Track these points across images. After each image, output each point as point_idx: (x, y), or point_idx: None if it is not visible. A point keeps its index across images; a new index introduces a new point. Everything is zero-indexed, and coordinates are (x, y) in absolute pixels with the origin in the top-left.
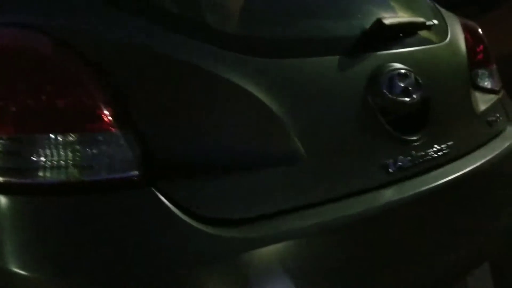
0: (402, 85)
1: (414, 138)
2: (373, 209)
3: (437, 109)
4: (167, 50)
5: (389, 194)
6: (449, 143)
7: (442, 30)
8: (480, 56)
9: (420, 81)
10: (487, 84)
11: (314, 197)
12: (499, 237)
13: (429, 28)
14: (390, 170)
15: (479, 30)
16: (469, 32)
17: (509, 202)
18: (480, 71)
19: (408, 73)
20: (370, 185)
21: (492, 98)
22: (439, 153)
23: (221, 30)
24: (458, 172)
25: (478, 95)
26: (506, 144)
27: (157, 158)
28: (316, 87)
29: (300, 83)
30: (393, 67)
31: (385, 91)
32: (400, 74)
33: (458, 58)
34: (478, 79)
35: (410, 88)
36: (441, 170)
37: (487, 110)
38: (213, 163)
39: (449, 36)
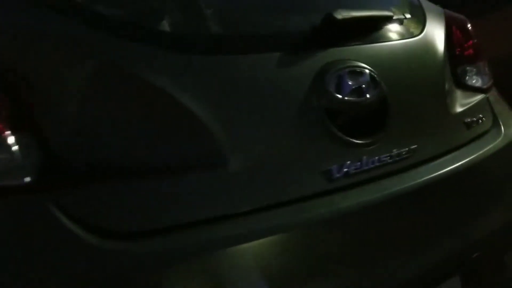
0: (353, 83)
1: (367, 141)
2: (305, 219)
3: (399, 109)
4: (75, 46)
5: (328, 203)
6: (412, 147)
7: (416, 24)
8: (467, 52)
9: (378, 79)
10: (474, 81)
11: (240, 206)
12: (468, 250)
13: (395, 22)
14: (334, 176)
15: (468, 24)
16: (456, 27)
17: (482, 213)
18: (467, 68)
19: (361, 71)
20: (306, 193)
21: (477, 97)
22: (398, 158)
23: (142, 25)
24: (420, 178)
25: (459, 94)
26: (485, 148)
27: (55, 165)
28: (252, 86)
29: (234, 82)
30: (343, 65)
31: (331, 90)
32: (351, 72)
33: (434, 54)
34: (464, 76)
35: (364, 87)
36: (399, 176)
37: (467, 110)
38: (119, 171)
39: (425, 30)
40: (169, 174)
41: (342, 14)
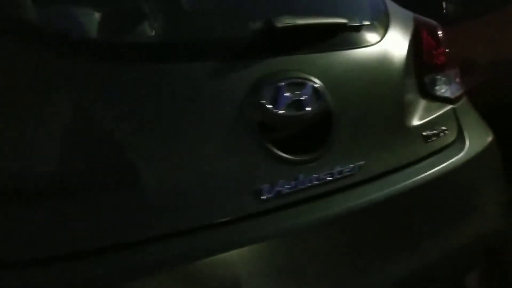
0: (291, 96)
1: (305, 158)
2: (228, 244)
3: (346, 123)
4: None
5: (256, 226)
6: (359, 163)
7: (375, 32)
8: (437, 60)
9: (322, 91)
10: (442, 91)
11: (156, 230)
12: (422, 275)
13: (348, 29)
14: (264, 197)
15: (439, 31)
16: (427, 33)
17: (438, 233)
18: (436, 77)
19: (302, 82)
20: (233, 215)
21: (443, 108)
22: (341, 176)
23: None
24: (365, 197)
25: (423, 105)
26: (444, 163)
27: None
28: (180, 98)
29: (159, 93)
30: (281, 76)
31: (265, 103)
32: (291, 83)
33: (392, 63)
34: (432, 86)
35: (304, 100)
36: (342, 195)
37: (428, 123)
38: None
39: (384, 38)
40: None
41: (283, 22)
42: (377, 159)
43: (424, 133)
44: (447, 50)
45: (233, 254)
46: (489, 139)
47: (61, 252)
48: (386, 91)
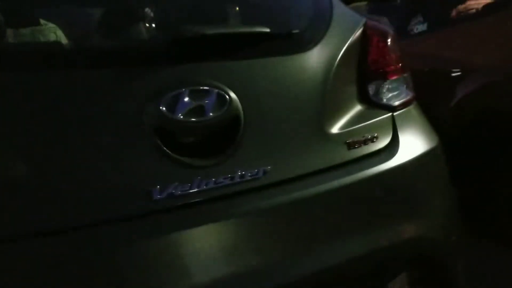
0: (191, 103)
1: (204, 162)
2: (118, 240)
3: (254, 130)
4: None
5: (143, 225)
6: (264, 168)
7: (306, 40)
8: (385, 67)
9: (228, 98)
10: (385, 99)
11: (43, 225)
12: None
13: (268, 38)
14: (155, 197)
15: (390, 38)
16: (377, 40)
17: (344, 239)
18: (380, 84)
19: (206, 90)
20: (122, 213)
21: (377, 115)
22: (243, 179)
23: None
24: (267, 201)
25: (353, 112)
26: (364, 170)
27: None
28: (81, 102)
29: (61, 97)
30: (184, 83)
31: (164, 109)
32: (193, 90)
33: (319, 71)
34: (374, 93)
35: (206, 106)
36: (243, 198)
37: (354, 130)
38: None
39: (317, 46)
40: None
41: (192, 31)
42: (286, 164)
43: (348, 140)
44: (398, 56)
45: (121, 250)
46: (429, 146)
47: None
48: (304, 99)
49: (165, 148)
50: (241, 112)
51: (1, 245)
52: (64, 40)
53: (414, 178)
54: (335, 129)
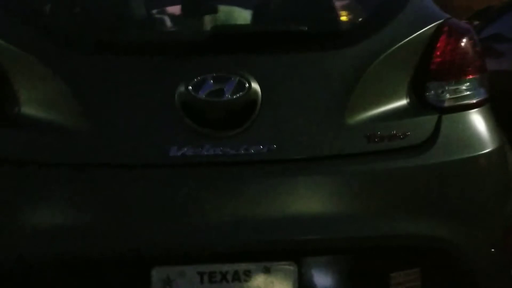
0: (213, 86)
1: (216, 134)
2: (136, 178)
3: (268, 114)
4: None
5: (158, 174)
6: (270, 146)
7: (348, 37)
8: (448, 67)
9: (247, 85)
10: (437, 99)
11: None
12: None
13: (304, 36)
14: (171, 153)
15: (466, 38)
16: (448, 39)
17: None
18: (437, 84)
19: (229, 76)
20: (144, 161)
21: (419, 115)
22: (247, 152)
23: None
24: (264, 175)
25: (390, 108)
26: (374, 164)
27: None
28: (129, 82)
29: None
30: (213, 71)
31: (189, 88)
32: (217, 77)
33: (358, 66)
34: (429, 92)
35: (226, 89)
36: (241, 168)
37: (381, 125)
38: None
39: (363, 43)
40: None
41: (230, 28)
42: (293, 146)
43: (369, 133)
44: (471, 58)
45: (139, 187)
46: (477, 152)
47: None
48: (329, 91)
49: (186, 119)
50: (259, 98)
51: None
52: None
53: (443, 180)
54: (358, 122)
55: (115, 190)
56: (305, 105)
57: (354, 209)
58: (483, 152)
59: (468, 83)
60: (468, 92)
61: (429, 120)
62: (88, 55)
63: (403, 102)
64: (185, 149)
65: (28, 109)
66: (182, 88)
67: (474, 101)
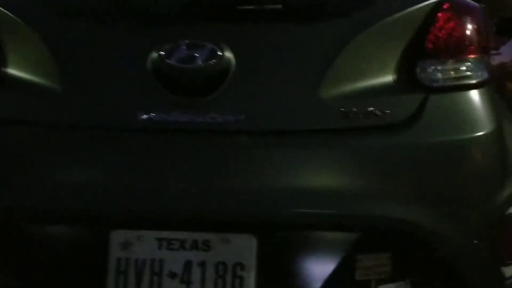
0: (185, 52)
1: (185, 101)
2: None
3: (238, 83)
4: None
5: (124, 136)
6: (238, 117)
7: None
8: (444, 45)
9: (219, 53)
10: (429, 78)
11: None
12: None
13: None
14: (138, 117)
15: (470, 16)
16: (449, 16)
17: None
18: (430, 63)
19: (203, 44)
20: (113, 124)
21: (403, 93)
22: (213, 121)
23: None
24: (226, 143)
25: (371, 84)
26: (344, 140)
27: None
28: (109, 46)
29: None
30: (187, 38)
31: (161, 53)
32: (190, 43)
33: (341, 39)
34: (422, 71)
35: (198, 56)
36: (202, 136)
37: (359, 101)
38: None
39: (347, 17)
40: None
41: None
42: (261, 118)
43: (344, 109)
44: (472, 36)
45: (103, 149)
46: (462, 136)
47: None
48: (306, 63)
49: (156, 84)
50: (232, 66)
51: None
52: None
53: (421, 162)
54: (334, 96)
55: (80, 151)
56: (279, 77)
57: (319, 185)
58: (470, 135)
59: (468, 63)
60: (467, 73)
61: (413, 100)
62: (65, 19)
63: (389, 79)
64: (153, 114)
65: (12, 70)
66: (154, 54)
67: (474, 81)
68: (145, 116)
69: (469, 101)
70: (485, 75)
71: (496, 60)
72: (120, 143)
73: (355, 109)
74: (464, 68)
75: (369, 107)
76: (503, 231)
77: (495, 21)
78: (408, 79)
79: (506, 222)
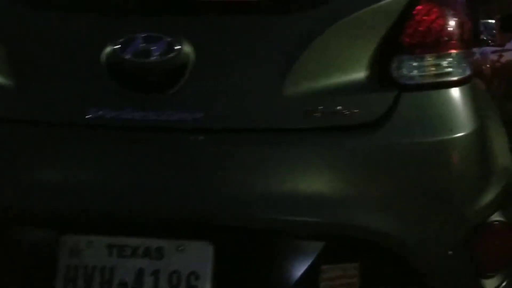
0: (138, 46)
1: (139, 97)
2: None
3: (197, 79)
4: None
5: (74, 132)
6: (194, 115)
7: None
8: (421, 39)
9: (177, 47)
10: (403, 75)
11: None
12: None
13: None
14: (88, 113)
15: (451, 8)
16: (428, 8)
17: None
18: (406, 58)
19: (159, 37)
20: (62, 120)
21: (374, 91)
22: (169, 119)
23: None
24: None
25: (339, 82)
26: (307, 141)
27: None
28: (61, 40)
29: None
30: (144, 31)
31: (116, 47)
32: (147, 37)
33: (308, 34)
34: (397, 67)
35: (153, 51)
36: (161, 135)
37: (325, 100)
38: None
39: (314, 8)
40: None
41: None
42: (219, 116)
43: (308, 108)
44: (452, 30)
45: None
46: (435, 137)
47: None
48: (270, 60)
49: (110, 79)
50: (191, 62)
51: None
52: None
53: (388, 165)
54: (298, 94)
55: (28, 148)
56: (240, 72)
57: (279, 188)
58: (447, 137)
59: (449, 59)
60: (447, 69)
61: (386, 98)
62: (16, 12)
63: (360, 76)
64: (105, 111)
65: None
66: (109, 47)
67: (455, 78)
68: (96, 113)
69: (448, 99)
70: (467, 71)
71: (505, 57)
72: (70, 141)
73: (321, 108)
74: (445, 64)
75: (337, 106)
76: (484, 240)
77: (498, 17)
78: (383, 76)
79: (487, 230)
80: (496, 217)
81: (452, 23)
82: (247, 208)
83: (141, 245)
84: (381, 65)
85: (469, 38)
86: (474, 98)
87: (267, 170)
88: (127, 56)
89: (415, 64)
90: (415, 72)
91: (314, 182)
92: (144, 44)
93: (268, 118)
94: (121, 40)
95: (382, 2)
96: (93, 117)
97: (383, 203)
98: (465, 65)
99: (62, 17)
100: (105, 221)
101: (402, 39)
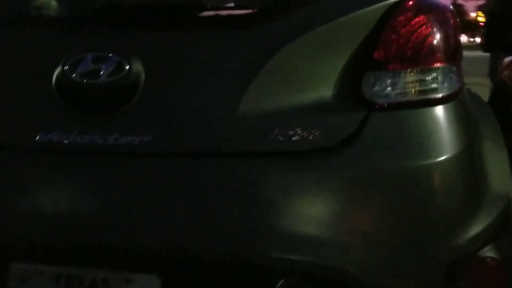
0: (88, 66)
1: (87, 120)
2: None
3: (148, 101)
4: None
5: (23, 158)
6: (143, 138)
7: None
8: (400, 54)
9: (127, 67)
10: (375, 93)
11: None
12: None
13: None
14: (37, 138)
15: (436, 18)
16: (407, 19)
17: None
18: (381, 75)
19: (108, 57)
20: (13, 143)
21: (340, 111)
22: (115, 143)
23: None
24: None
25: (302, 101)
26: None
27: None
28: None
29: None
30: (93, 50)
31: (65, 68)
32: (96, 56)
33: (266, 50)
34: (367, 84)
35: (101, 71)
36: (104, 159)
37: (284, 122)
38: None
39: (276, 23)
40: None
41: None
42: (170, 140)
43: (267, 129)
44: (438, 44)
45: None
46: (418, 162)
47: None
48: (226, 78)
49: (59, 101)
50: (141, 82)
51: None
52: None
53: (352, 195)
54: (253, 116)
55: None
56: (194, 92)
57: (231, 219)
58: (420, 163)
59: (432, 74)
60: (431, 85)
61: (352, 119)
62: None
63: (326, 94)
64: (52, 134)
65: None
66: (59, 68)
67: (438, 95)
68: (43, 137)
69: (429, 119)
70: (454, 86)
71: None
72: (18, 165)
73: (276, 130)
74: (427, 79)
75: (295, 128)
76: (472, 279)
77: None
78: (352, 95)
79: (475, 267)
80: (488, 251)
81: (435, 34)
82: (200, 241)
83: (88, 276)
84: (354, 83)
85: (457, 50)
86: (462, 116)
87: (219, 198)
88: (76, 77)
89: (389, 81)
90: (388, 90)
91: (267, 212)
92: (92, 64)
93: (222, 140)
94: (70, 60)
95: (356, 13)
96: (41, 141)
97: (344, 239)
98: (450, 80)
99: (10, 36)
100: (52, 251)
101: (375, 53)
